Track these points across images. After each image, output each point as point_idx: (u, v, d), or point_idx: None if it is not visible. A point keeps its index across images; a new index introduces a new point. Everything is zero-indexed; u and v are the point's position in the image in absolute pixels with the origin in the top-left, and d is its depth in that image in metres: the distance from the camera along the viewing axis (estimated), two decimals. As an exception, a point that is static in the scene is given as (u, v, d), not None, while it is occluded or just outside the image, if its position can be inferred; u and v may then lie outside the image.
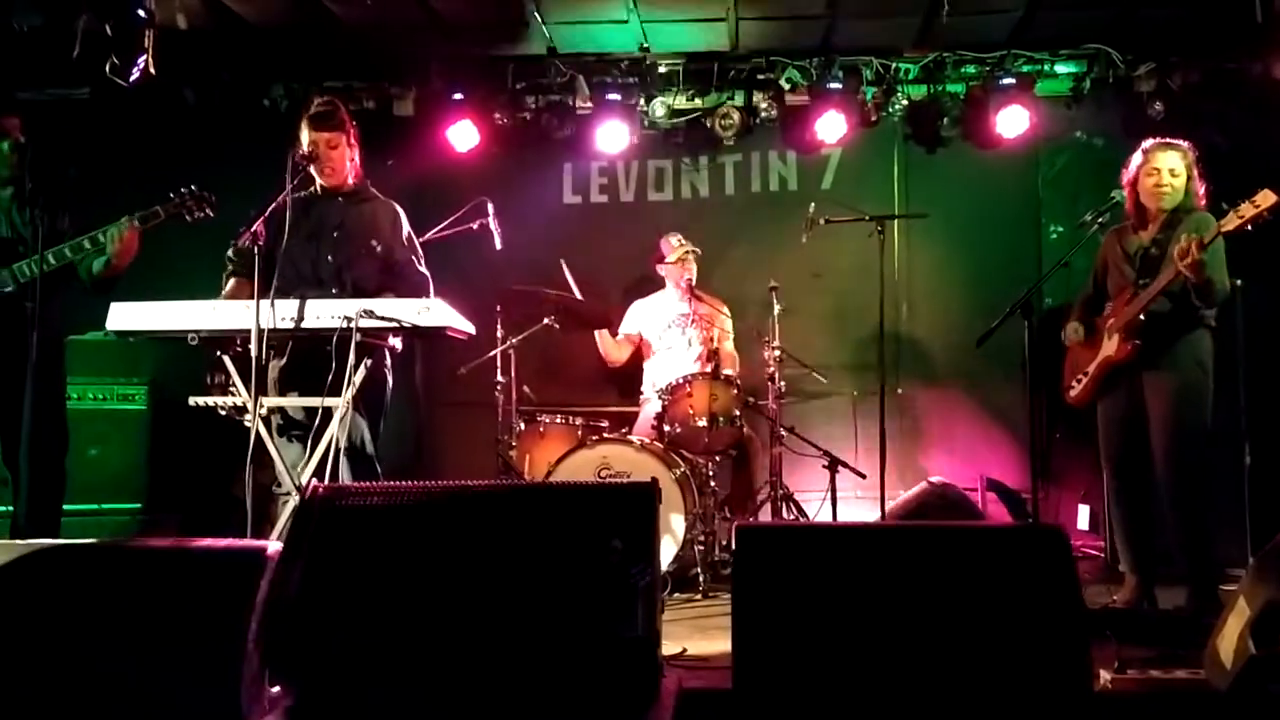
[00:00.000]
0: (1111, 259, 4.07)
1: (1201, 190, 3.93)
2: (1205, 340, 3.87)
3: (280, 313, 3.43)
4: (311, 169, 3.86)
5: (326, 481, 3.41)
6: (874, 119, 6.04)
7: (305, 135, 3.89)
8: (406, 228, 4.11)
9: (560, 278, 5.36)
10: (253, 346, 3.30)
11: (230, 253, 3.92)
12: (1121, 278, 3.99)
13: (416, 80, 6.02)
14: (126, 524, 4.72)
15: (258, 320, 3.30)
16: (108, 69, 4.66)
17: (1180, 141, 3.96)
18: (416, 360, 6.06)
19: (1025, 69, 5.86)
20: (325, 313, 3.45)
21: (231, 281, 3.94)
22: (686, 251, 5.51)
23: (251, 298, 3.42)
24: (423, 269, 4.08)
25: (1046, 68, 5.91)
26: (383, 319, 3.38)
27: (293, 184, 3.60)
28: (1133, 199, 3.98)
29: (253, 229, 3.40)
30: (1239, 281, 4.57)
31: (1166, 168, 3.88)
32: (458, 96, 5.98)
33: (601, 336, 5.64)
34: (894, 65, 5.98)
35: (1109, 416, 4.03)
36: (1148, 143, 4.00)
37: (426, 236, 4.53)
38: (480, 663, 2.48)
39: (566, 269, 5.37)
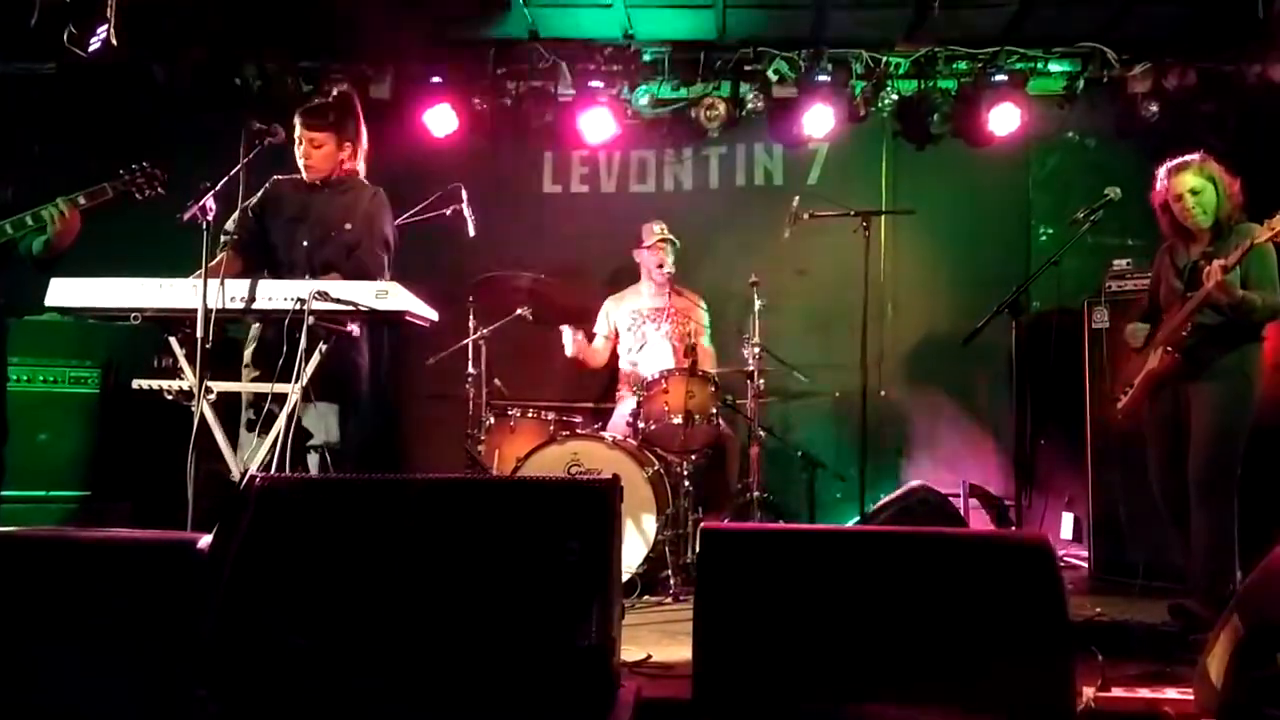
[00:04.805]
0: (1163, 274, 4.02)
1: (1236, 189, 3.82)
2: (1253, 351, 3.78)
3: (231, 293, 3.27)
4: (299, 159, 3.89)
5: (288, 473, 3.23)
6: (863, 114, 5.92)
7: (296, 125, 3.88)
8: (382, 215, 4.03)
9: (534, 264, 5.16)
10: (198, 328, 3.12)
11: (229, 224, 3.81)
12: (1171, 292, 3.94)
13: (394, 62, 5.83)
14: (73, 512, 4.53)
15: (204, 301, 3.13)
16: (65, 38, 4.48)
17: (1192, 157, 3.87)
18: (384, 349, 5.88)
19: (1018, 66, 5.72)
20: (279, 294, 3.30)
21: (223, 254, 3.78)
22: (661, 239, 5.36)
23: (243, 273, 3.33)
24: (378, 251, 3.97)
25: (1040, 66, 5.78)
26: (337, 301, 3.22)
27: (246, 159, 3.43)
28: (1168, 220, 3.93)
29: (201, 203, 3.22)
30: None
31: (1186, 189, 3.81)
32: (436, 80, 5.82)
33: (579, 347, 5.33)
34: (884, 59, 5.82)
35: (1152, 428, 3.97)
36: (1165, 167, 3.92)
37: (397, 222, 4.37)
38: (425, 667, 2.33)
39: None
